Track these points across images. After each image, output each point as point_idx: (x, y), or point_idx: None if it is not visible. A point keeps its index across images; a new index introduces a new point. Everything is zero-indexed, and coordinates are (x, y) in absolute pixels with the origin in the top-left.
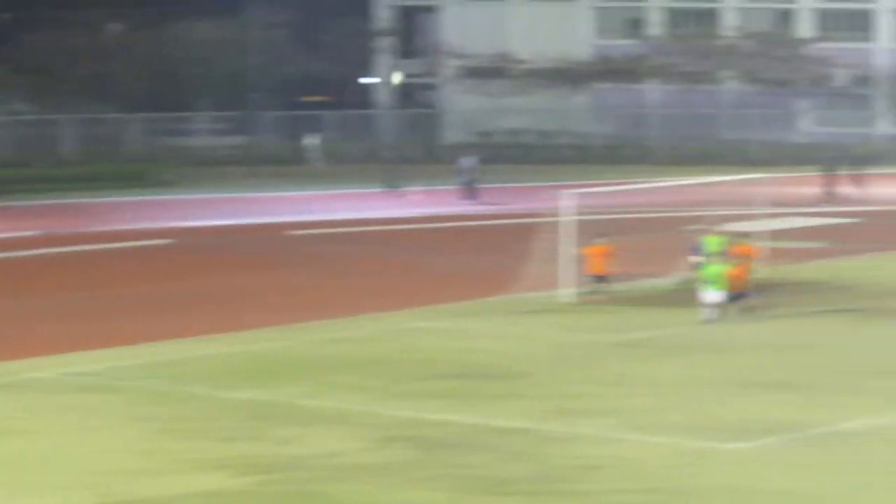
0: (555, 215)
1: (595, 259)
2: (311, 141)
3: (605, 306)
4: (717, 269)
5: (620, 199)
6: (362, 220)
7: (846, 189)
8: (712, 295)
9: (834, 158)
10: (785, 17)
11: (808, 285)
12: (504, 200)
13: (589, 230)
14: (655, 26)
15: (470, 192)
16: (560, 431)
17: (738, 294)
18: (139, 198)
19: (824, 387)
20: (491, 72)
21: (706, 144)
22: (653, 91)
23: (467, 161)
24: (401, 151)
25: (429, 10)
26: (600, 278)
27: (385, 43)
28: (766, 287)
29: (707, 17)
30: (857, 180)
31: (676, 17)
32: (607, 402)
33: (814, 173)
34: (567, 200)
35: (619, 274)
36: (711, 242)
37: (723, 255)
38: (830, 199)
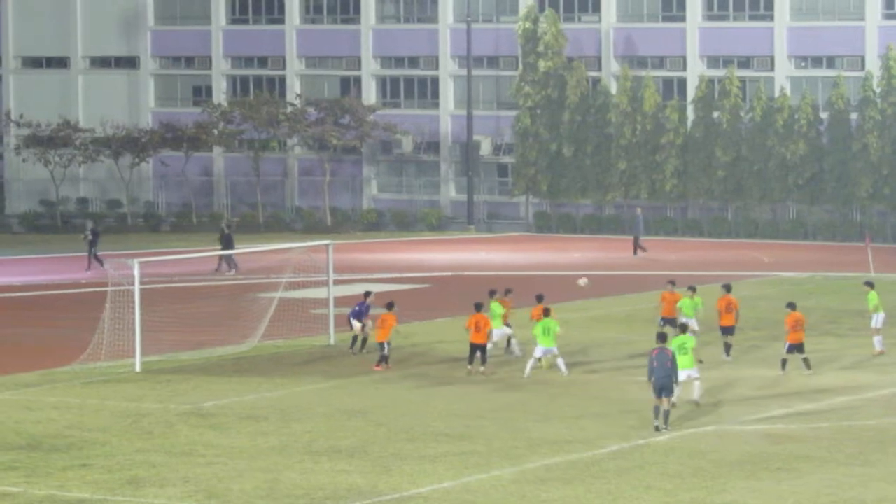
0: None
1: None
2: None
3: (174, 375)
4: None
5: (185, 267)
6: None
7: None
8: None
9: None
10: (350, 84)
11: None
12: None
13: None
14: (220, 94)
15: None
16: (131, 502)
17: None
18: None
19: (395, 453)
20: (56, 140)
21: (276, 211)
22: (220, 158)
23: None
24: None
25: None
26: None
27: None
28: (334, 354)
29: (272, 85)
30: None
31: (241, 85)
32: (179, 472)
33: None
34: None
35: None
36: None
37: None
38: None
